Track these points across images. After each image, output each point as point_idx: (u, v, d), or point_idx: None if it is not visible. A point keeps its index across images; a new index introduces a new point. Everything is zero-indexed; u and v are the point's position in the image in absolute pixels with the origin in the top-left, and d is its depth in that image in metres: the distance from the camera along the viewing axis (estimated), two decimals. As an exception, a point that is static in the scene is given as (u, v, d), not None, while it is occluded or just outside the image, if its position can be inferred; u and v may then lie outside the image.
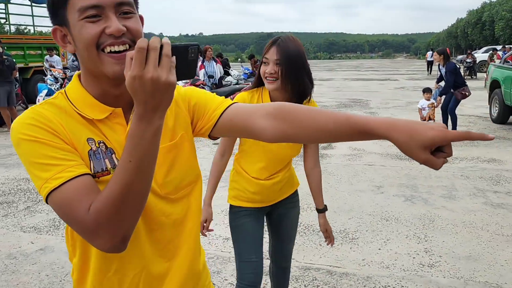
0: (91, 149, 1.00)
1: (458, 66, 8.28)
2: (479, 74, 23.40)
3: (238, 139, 2.19)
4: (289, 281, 3.17)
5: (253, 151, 2.17)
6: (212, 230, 2.35)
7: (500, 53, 22.34)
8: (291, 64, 1.99)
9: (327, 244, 2.45)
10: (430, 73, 26.28)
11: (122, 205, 0.89)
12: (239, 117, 1.10)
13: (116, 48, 0.95)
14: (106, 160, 1.01)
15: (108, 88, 1.02)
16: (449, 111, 8.27)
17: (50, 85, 11.01)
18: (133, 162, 0.88)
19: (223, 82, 11.28)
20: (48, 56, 13.52)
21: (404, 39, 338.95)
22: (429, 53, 28.26)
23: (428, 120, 8.21)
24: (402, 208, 4.65)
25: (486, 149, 7.30)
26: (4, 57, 9.84)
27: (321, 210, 2.35)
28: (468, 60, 23.41)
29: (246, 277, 2.20)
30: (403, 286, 3.12)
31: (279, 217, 2.37)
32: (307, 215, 4.45)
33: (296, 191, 2.41)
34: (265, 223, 2.41)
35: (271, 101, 2.11)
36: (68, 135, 0.98)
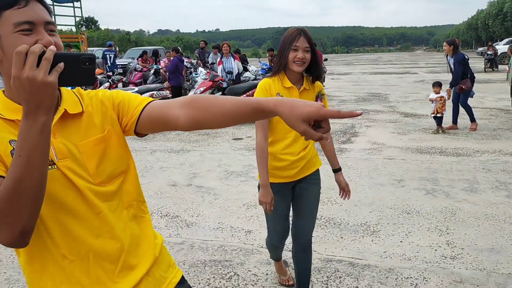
0: (14, 149, 1.07)
1: (467, 57, 8.12)
2: (500, 67, 22.97)
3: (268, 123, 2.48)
4: (312, 272, 3.22)
5: (281, 128, 2.46)
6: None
7: (521, 44, 21.87)
8: (313, 51, 2.40)
9: (341, 197, 2.76)
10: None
11: (15, 198, 0.95)
12: (156, 111, 1.21)
13: None
14: None
15: None
16: (461, 104, 8.18)
17: None
18: (22, 156, 0.95)
19: (241, 78, 11.33)
20: None
21: (423, 31, 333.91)
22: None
23: (436, 114, 8.08)
24: (423, 201, 4.65)
25: (509, 142, 7.21)
26: None
27: (338, 169, 2.73)
28: (489, 52, 22.94)
29: (273, 240, 2.81)
30: (425, 278, 3.15)
31: (301, 190, 2.61)
32: (327, 209, 4.49)
33: (318, 170, 2.66)
34: None
35: (291, 82, 2.46)
36: None
